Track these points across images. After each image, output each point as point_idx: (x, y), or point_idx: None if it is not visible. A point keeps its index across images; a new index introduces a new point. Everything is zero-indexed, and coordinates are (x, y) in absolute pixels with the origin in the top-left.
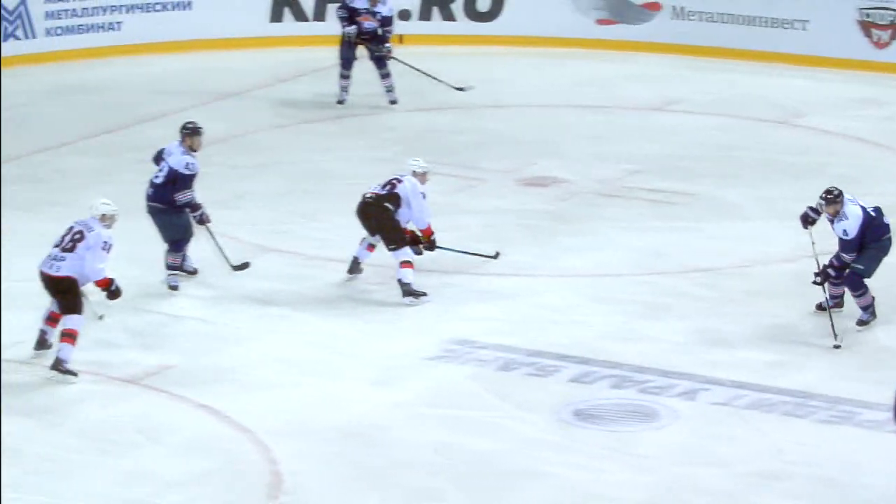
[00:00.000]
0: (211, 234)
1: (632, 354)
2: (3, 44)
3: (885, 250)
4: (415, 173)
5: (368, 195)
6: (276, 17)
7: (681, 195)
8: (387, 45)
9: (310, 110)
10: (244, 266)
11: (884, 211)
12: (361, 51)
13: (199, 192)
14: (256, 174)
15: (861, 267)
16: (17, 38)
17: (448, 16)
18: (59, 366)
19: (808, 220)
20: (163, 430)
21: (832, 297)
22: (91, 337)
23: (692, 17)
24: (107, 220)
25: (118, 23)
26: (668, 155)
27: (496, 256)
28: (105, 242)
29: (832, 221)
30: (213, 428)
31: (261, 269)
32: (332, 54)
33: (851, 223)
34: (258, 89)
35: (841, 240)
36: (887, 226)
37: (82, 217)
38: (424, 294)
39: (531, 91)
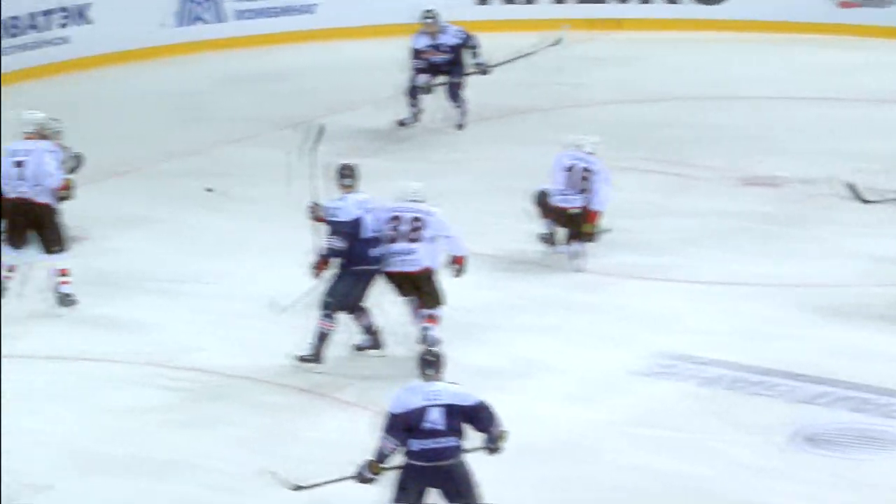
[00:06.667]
0: None
1: (868, 374)
2: (189, 27)
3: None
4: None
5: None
6: None
7: None
8: (478, 61)
9: (514, 100)
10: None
11: None
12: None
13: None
14: (451, 170)
15: None
16: (204, 21)
17: None
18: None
19: None
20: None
21: None
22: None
23: None
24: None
25: (313, 5)
26: None
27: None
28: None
29: None
30: None
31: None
32: (541, 38)
33: None
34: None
35: None
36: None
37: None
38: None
39: (756, 81)
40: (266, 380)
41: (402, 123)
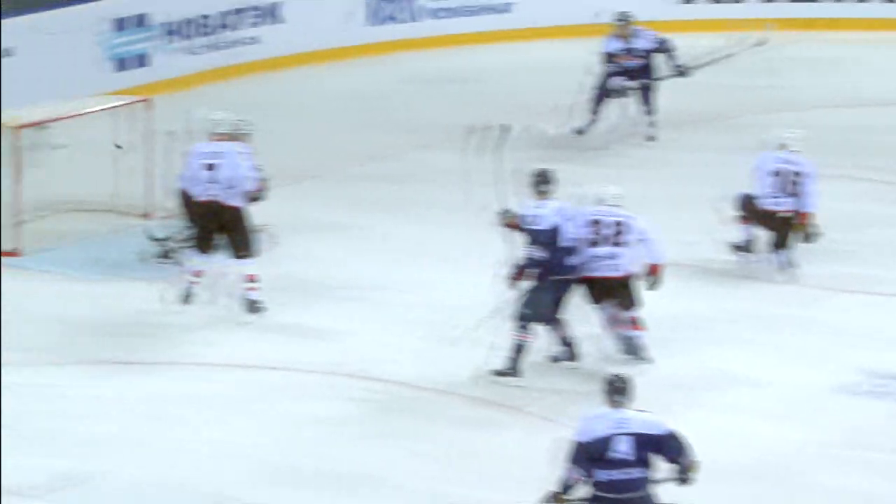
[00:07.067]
0: None
1: None
2: (381, 27)
3: None
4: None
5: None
6: None
7: None
8: (676, 63)
9: (711, 104)
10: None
11: None
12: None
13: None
14: (640, 177)
15: None
16: (396, 20)
17: None
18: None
19: None
20: None
21: None
22: None
23: None
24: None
25: (510, 4)
26: None
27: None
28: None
29: None
30: None
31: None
32: (742, 39)
33: None
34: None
35: None
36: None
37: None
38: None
39: None
40: (455, 392)
41: (579, 132)
